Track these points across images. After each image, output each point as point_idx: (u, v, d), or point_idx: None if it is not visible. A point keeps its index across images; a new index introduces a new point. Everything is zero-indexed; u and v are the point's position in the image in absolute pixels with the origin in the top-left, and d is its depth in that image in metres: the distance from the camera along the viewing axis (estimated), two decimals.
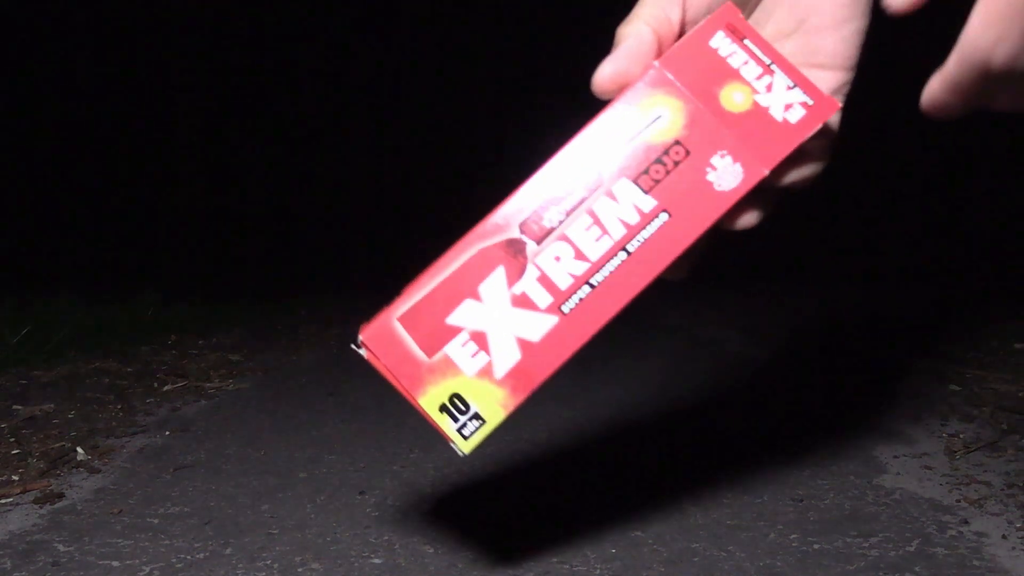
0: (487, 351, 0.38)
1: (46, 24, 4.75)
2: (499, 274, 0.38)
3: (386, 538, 0.72)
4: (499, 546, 0.70)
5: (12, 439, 1.08)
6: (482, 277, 0.38)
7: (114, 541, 0.73)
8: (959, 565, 0.64)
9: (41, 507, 0.83)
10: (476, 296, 0.38)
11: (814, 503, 0.79)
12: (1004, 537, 0.70)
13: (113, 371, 1.61)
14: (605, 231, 0.38)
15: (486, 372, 0.38)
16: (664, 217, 0.38)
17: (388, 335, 0.38)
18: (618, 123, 0.38)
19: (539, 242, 0.38)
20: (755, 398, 1.33)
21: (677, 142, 0.38)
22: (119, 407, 1.29)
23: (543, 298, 0.38)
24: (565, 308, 0.38)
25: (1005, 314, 1.98)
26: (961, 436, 1.01)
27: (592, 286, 0.38)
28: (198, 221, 4.90)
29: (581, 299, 0.38)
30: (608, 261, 0.38)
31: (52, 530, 0.76)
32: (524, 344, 0.38)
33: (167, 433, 1.13)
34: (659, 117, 0.38)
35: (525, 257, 0.38)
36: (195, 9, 5.02)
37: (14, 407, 1.27)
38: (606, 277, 0.38)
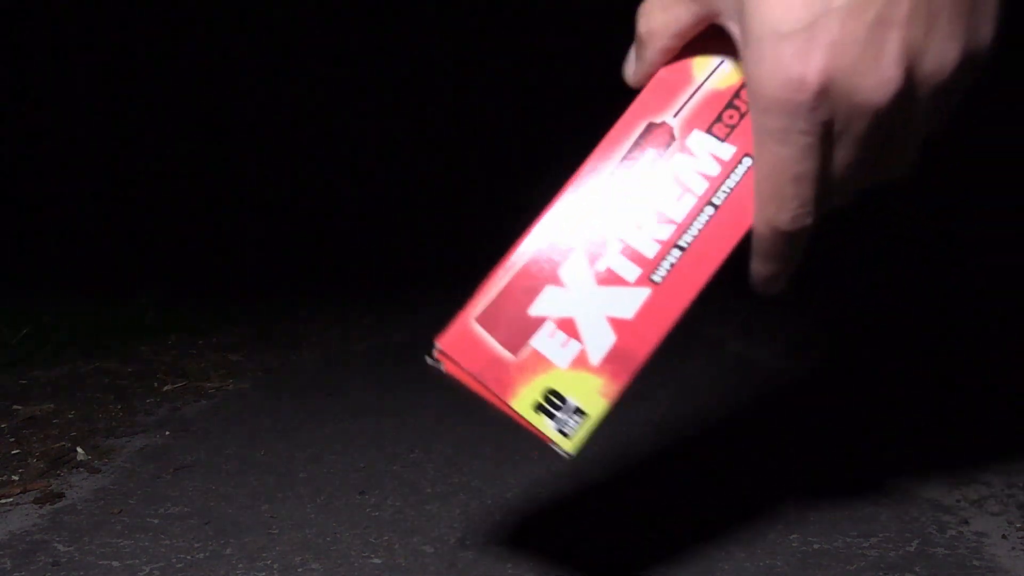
0: (578, 338, 0.35)
1: (46, 23, 4.75)
2: (578, 254, 0.35)
3: (386, 538, 0.72)
4: (499, 546, 0.70)
5: (12, 439, 1.08)
6: (561, 260, 0.35)
7: (114, 541, 0.73)
8: (959, 565, 0.64)
9: (41, 507, 0.83)
10: (557, 281, 0.35)
11: (814, 503, 0.79)
12: (1004, 537, 0.70)
13: (113, 371, 1.61)
14: (687, 188, 0.35)
15: (580, 361, 0.35)
16: (748, 162, 0.35)
17: (468, 339, 0.36)
18: (678, 79, 0.36)
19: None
20: (755, 398, 1.33)
21: (744, 85, 0.35)
22: (119, 407, 1.29)
23: (631, 271, 0.35)
24: (656, 277, 0.35)
25: (1005, 314, 1.98)
26: (962, 436, 1.01)
27: (682, 249, 0.35)
28: (198, 221, 4.90)
29: (672, 265, 0.35)
30: (695, 219, 0.35)
31: (52, 530, 0.76)
32: (617, 324, 0.35)
33: (167, 433, 1.13)
34: (720, 64, 0.36)
35: (607, 230, 0.35)
36: (197, 8, 5.03)
37: (14, 407, 1.27)
38: (696, 237, 0.35)
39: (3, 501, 0.85)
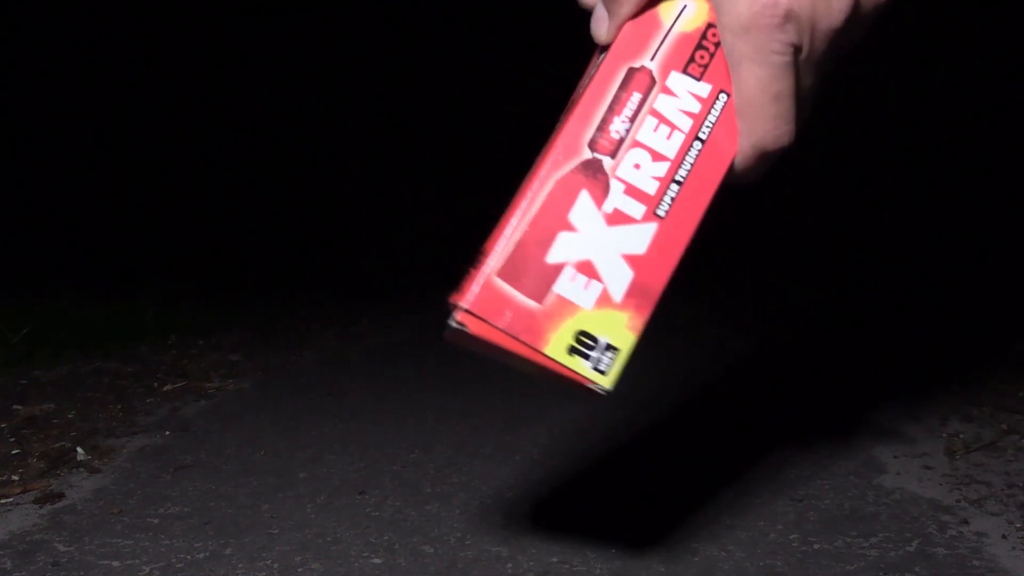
0: (598, 278, 0.36)
1: (46, 23, 4.75)
2: (584, 198, 0.37)
3: (386, 538, 0.72)
4: (499, 545, 0.70)
5: (12, 439, 1.08)
6: (568, 206, 0.36)
7: (114, 541, 0.73)
8: (959, 565, 0.64)
9: (41, 507, 0.83)
10: (569, 227, 0.36)
11: (814, 503, 0.79)
12: (1004, 537, 0.70)
13: (113, 371, 1.61)
14: (674, 126, 0.37)
15: (604, 300, 0.36)
16: (724, 98, 0.37)
17: (492, 295, 0.36)
18: (647, 26, 0.38)
19: (613, 155, 0.37)
20: (755, 398, 1.32)
21: (710, 24, 0.37)
22: (119, 407, 1.29)
23: (636, 209, 0.37)
24: (660, 212, 0.37)
25: (1005, 314, 1.98)
26: (961, 436, 1.01)
27: (679, 183, 0.37)
28: (198, 221, 4.90)
29: (673, 198, 0.37)
30: (686, 154, 0.37)
31: (52, 530, 0.76)
32: (632, 260, 0.36)
33: (167, 433, 1.13)
34: (684, 7, 0.38)
35: (605, 174, 0.37)
36: (199, 9, 5.03)
37: (14, 407, 1.27)
38: (690, 171, 0.37)
39: (3, 501, 0.85)
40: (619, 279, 0.36)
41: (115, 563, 0.68)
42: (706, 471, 0.91)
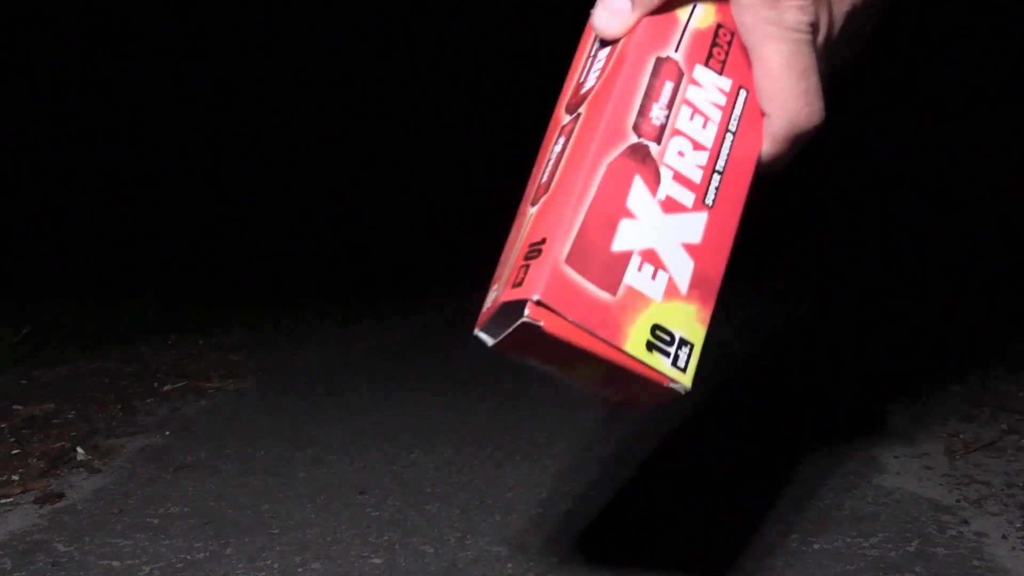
0: (664, 268, 0.34)
1: (46, 22, 4.75)
2: (639, 184, 0.34)
3: (386, 538, 0.72)
4: (499, 546, 0.70)
5: (12, 439, 1.08)
6: (624, 192, 0.34)
7: (114, 541, 0.73)
8: (959, 565, 0.64)
9: (41, 507, 0.83)
10: (629, 214, 0.34)
11: (814, 503, 0.79)
12: (1004, 537, 0.70)
13: (113, 371, 1.61)
14: (707, 117, 0.36)
15: (672, 291, 0.34)
16: (744, 93, 0.37)
17: (564, 286, 0.32)
18: (665, 21, 0.37)
19: (658, 141, 0.35)
20: (755, 398, 1.33)
21: (719, 24, 0.38)
22: (119, 407, 1.29)
23: (686, 196, 0.35)
24: (708, 200, 0.35)
25: (1005, 314, 1.98)
26: (961, 436, 1.01)
27: (720, 172, 0.36)
28: (198, 221, 4.90)
29: (717, 188, 0.36)
30: (721, 144, 0.36)
31: (52, 530, 0.76)
32: (691, 249, 0.34)
33: (167, 433, 1.13)
34: (695, 6, 0.38)
35: (653, 160, 0.35)
36: (199, 9, 5.03)
37: (14, 407, 1.27)
38: (727, 161, 0.36)
39: (3, 501, 0.85)
40: (682, 269, 0.34)
41: (115, 563, 0.68)
42: (705, 471, 0.91)
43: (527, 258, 0.33)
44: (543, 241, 0.33)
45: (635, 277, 0.33)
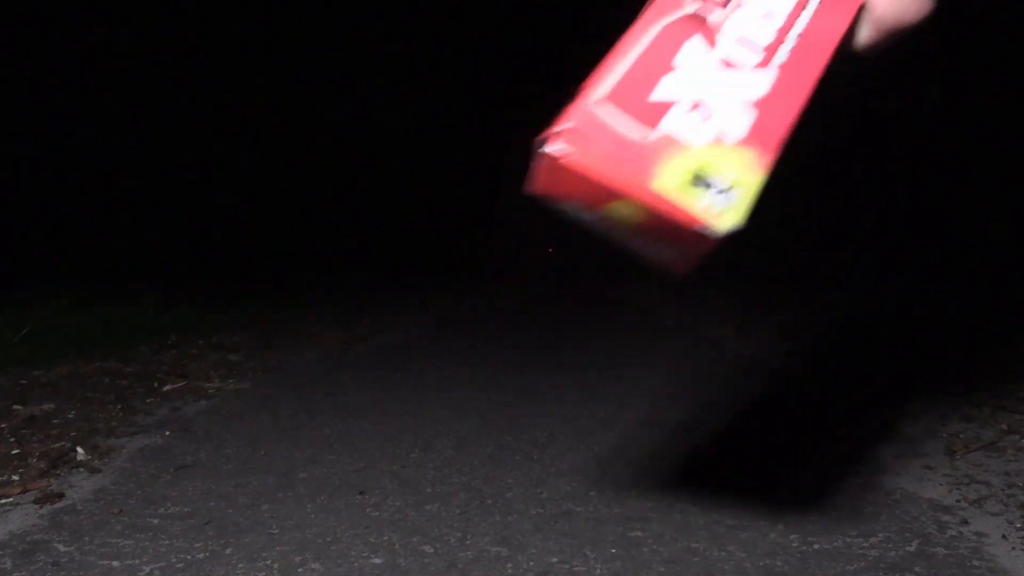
0: (713, 118, 0.35)
1: (47, 24, 4.75)
2: (696, 43, 0.36)
3: (386, 538, 0.72)
4: (499, 545, 0.70)
5: (12, 439, 1.08)
6: (675, 51, 0.36)
7: (114, 541, 0.73)
8: (959, 565, 0.64)
9: (41, 507, 0.82)
10: (678, 68, 0.35)
11: (814, 503, 0.79)
12: (1004, 537, 0.70)
13: (113, 371, 1.61)
14: None
15: (722, 139, 0.35)
16: None
17: (592, 123, 0.33)
18: None
19: (724, 6, 0.37)
20: (755, 399, 1.33)
21: None
22: (119, 407, 1.29)
23: (751, 57, 0.36)
24: (778, 61, 0.37)
25: (1005, 315, 1.98)
26: (961, 436, 1.01)
27: (794, 38, 0.37)
28: (199, 222, 4.90)
29: (791, 50, 0.37)
30: (803, 8, 0.37)
31: (52, 530, 0.76)
32: (753, 103, 0.35)
33: (167, 433, 1.13)
34: None
35: (716, 22, 0.36)
36: (198, 10, 5.03)
37: (14, 407, 1.27)
38: (804, 30, 0.37)
39: (3, 501, 0.85)
40: (738, 120, 0.35)
41: (115, 563, 0.68)
42: (706, 471, 0.91)
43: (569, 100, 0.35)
44: (584, 88, 0.35)
45: (676, 124, 0.34)
